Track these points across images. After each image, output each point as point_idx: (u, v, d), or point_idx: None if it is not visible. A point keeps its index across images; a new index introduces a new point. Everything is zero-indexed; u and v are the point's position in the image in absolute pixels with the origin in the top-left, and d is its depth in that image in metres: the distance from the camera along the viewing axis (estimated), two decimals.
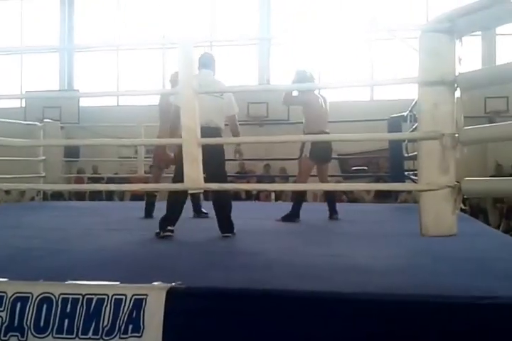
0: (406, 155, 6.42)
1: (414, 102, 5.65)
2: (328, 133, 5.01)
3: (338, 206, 5.13)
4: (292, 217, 4.88)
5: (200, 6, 12.80)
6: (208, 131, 3.73)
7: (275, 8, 12.49)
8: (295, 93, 5.17)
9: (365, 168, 6.89)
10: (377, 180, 8.40)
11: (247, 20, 12.40)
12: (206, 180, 3.70)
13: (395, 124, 6.57)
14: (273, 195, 10.28)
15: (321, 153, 4.96)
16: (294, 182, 5.22)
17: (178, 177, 3.80)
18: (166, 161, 5.06)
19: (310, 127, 4.98)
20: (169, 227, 3.88)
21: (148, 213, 5.19)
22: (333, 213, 5.05)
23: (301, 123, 7.78)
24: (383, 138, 3.46)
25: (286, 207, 5.03)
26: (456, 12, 2.39)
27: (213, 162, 3.77)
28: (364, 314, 2.01)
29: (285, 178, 10.24)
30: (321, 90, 5.27)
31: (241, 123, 5.41)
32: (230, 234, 3.91)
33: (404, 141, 6.13)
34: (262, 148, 9.84)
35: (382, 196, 8.80)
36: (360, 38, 11.56)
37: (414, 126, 5.60)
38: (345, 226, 4.63)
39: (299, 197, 5.01)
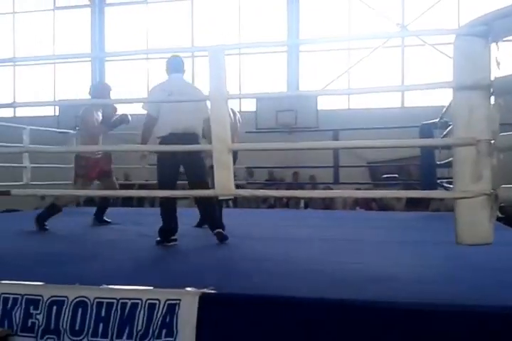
0: (438, 162, 6.33)
1: (445, 109, 5.57)
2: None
3: (368, 214, 5.07)
4: None
5: (227, 13, 12.91)
6: (186, 137, 3.78)
7: (303, 15, 12.51)
8: None
9: (396, 175, 6.78)
10: (407, 187, 8.30)
11: (275, 29, 12.44)
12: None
13: (426, 131, 6.47)
14: (302, 203, 10.26)
15: None
16: None
17: (164, 184, 3.84)
18: (101, 173, 5.13)
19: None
20: (172, 237, 3.87)
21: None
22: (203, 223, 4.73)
23: (331, 130, 7.77)
24: (416, 145, 3.41)
25: (315, 214, 5.00)
26: (492, 15, 2.34)
27: (196, 169, 3.89)
28: (395, 323, 1.98)
29: (314, 186, 10.21)
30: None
31: (269, 131, 5.46)
32: (220, 230, 3.91)
33: (436, 148, 6.03)
34: (290, 156, 9.83)
35: (413, 204, 8.69)
36: (391, 44, 11.49)
37: (444, 133, 5.52)
38: (375, 234, 4.57)
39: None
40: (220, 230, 3.94)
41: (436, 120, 6.36)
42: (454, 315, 1.96)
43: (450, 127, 4.51)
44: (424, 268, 2.92)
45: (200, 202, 4.08)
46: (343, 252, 3.56)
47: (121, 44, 13.27)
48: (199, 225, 4.84)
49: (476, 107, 2.30)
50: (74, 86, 13.46)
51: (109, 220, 5.36)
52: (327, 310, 2.08)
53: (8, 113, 12.78)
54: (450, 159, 2.45)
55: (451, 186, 2.51)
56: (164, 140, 3.86)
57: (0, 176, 6.50)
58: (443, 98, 8.23)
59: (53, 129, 8.29)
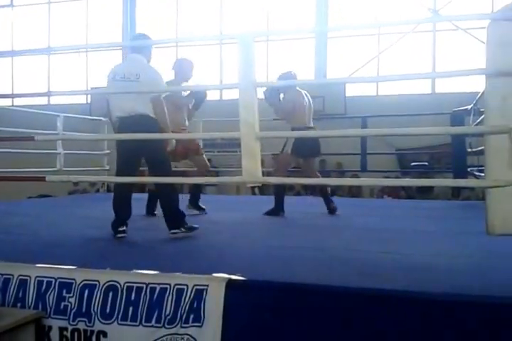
0: (469, 150, 6.23)
1: (479, 95, 5.46)
2: (313, 128, 5.06)
3: (395, 202, 5.03)
4: (276, 211, 4.92)
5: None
6: (130, 120, 3.60)
7: (332, 2, 12.33)
8: (280, 96, 5.11)
9: (426, 163, 6.67)
10: (436, 176, 8.20)
11: (303, 14, 12.30)
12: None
13: (458, 118, 6.35)
14: (329, 190, 10.21)
15: (304, 149, 4.89)
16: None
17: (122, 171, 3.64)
18: (188, 150, 5.00)
19: (296, 122, 4.94)
20: (120, 228, 3.68)
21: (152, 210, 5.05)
22: (330, 206, 5.08)
23: (359, 117, 7.70)
24: (448, 133, 3.35)
25: (342, 201, 4.98)
26: None
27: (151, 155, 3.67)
28: (431, 314, 1.97)
29: (341, 173, 10.15)
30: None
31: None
32: (177, 231, 3.62)
33: (467, 135, 5.93)
34: None
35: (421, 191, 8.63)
36: (421, 29, 11.26)
37: (478, 120, 5.41)
38: (406, 223, 4.52)
39: (280, 192, 4.98)
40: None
41: (468, 107, 6.25)
42: (487, 306, 1.95)
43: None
44: (455, 258, 2.90)
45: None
46: (371, 241, 3.54)
47: (151, 31, 13.32)
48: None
49: (510, 94, 2.24)
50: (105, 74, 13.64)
51: (203, 207, 5.13)
52: (353, 299, 2.08)
53: (42, 100, 13.04)
54: (482, 147, 2.39)
55: (482, 174, 2.48)
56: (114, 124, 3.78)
57: (35, 162, 6.64)
58: (476, 84, 8.08)
59: (86, 117, 8.42)
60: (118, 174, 3.71)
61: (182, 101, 4.82)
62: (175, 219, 3.66)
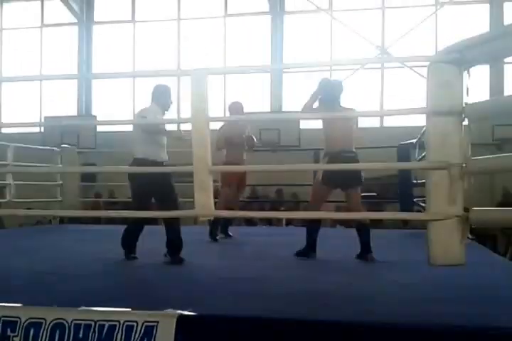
0: (415, 181, 6.44)
1: (424, 129, 5.69)
2: (352, 151, 4.38)
3: (347, 232, 5.12)
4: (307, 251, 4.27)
5: (212, 35, 13.05)
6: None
7: (287, 36, 12.71)
8: (315, 105, 4.44)
9: (375, 194, 6.82)
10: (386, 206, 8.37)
11: (259, 48, 12.62)
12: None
13: (404, 152, 6.60)
14: (284, 220, 10.31)
15: (336, 177, 4.07)
16: (305, 208, 5.06)
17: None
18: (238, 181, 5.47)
19: (327, 146, 4.34)
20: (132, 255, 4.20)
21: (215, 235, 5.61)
22: (364, 251, 4.21)
23: (312, 150, 7.84)
24: (391, 168, 3.49)
25: (297, 231, 5.04)
26: (465, 43, 2.43)
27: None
28: None
29: (296, 203, 10.27)
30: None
31: (254, 149, 5.68)
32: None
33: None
34: (274, 174, 9.91)
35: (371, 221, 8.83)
36: (370, 67, 11.70)
37: (423, 154, 5.62)
38: (352, 253, 4.60)
39: (311, 226, 4.33)
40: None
41: (414, 140, 6.50)
42: (424, 335, 2.01)
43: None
44: (396, 289, 2.98)
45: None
46: (322, 271, 3.60)
47: (108, 62, 13.32)
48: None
49: (449, 132, 2.37)
50: (60, 103, 13.49)
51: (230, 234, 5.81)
52: (304, 331, 2.11)
53: None
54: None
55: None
56: None
57: None
58: (422, 118, 8.40)
59: (38, 147, 8.28)
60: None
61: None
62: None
